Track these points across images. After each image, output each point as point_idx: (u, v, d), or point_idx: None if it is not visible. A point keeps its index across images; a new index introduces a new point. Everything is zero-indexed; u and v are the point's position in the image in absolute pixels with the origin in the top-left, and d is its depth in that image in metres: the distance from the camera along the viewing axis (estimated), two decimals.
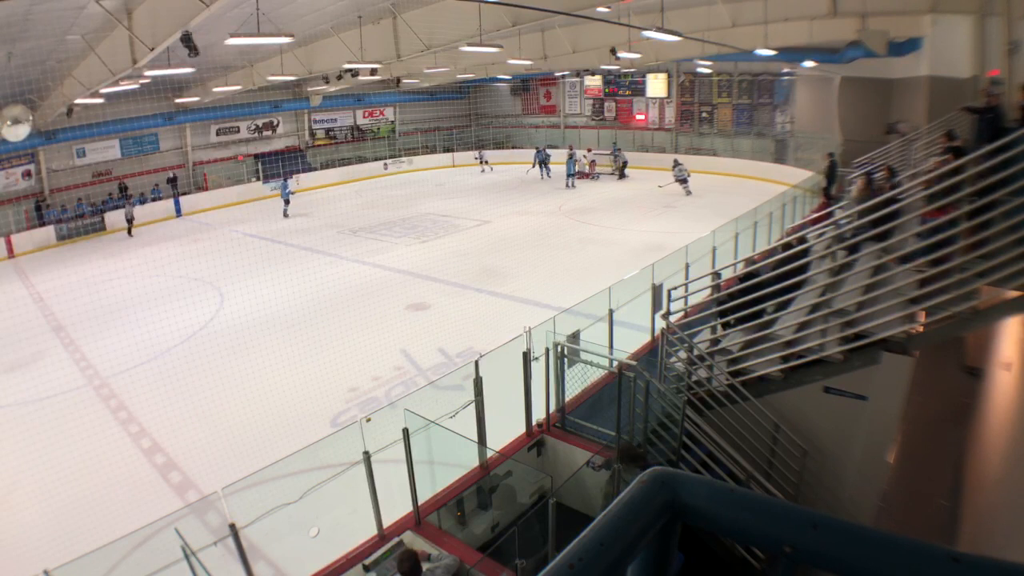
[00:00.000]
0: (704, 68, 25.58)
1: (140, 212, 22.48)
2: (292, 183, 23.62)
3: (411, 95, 31.11)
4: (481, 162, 30.07)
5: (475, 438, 5.64)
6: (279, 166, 26.85)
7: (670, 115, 28.97)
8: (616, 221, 18.65)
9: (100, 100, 17.71)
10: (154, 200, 23.38)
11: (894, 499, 5.95)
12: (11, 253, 18.95)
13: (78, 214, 21.16)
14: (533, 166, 26.88)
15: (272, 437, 7.41)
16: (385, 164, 30.30)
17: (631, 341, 8.21)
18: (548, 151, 27.46)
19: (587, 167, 26.96)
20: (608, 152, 27.76)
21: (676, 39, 12.63)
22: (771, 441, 5.68)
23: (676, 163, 22.76)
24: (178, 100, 22.15)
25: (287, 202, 22.12)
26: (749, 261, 6.80)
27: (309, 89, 26.71)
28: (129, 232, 21.04)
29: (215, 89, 20.33)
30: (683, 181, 21.82)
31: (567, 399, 6.36)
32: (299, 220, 21.47)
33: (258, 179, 26.52)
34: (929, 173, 6.03)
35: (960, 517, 5.61)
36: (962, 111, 7.98)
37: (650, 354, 7.72)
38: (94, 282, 13.90)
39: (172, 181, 24.42)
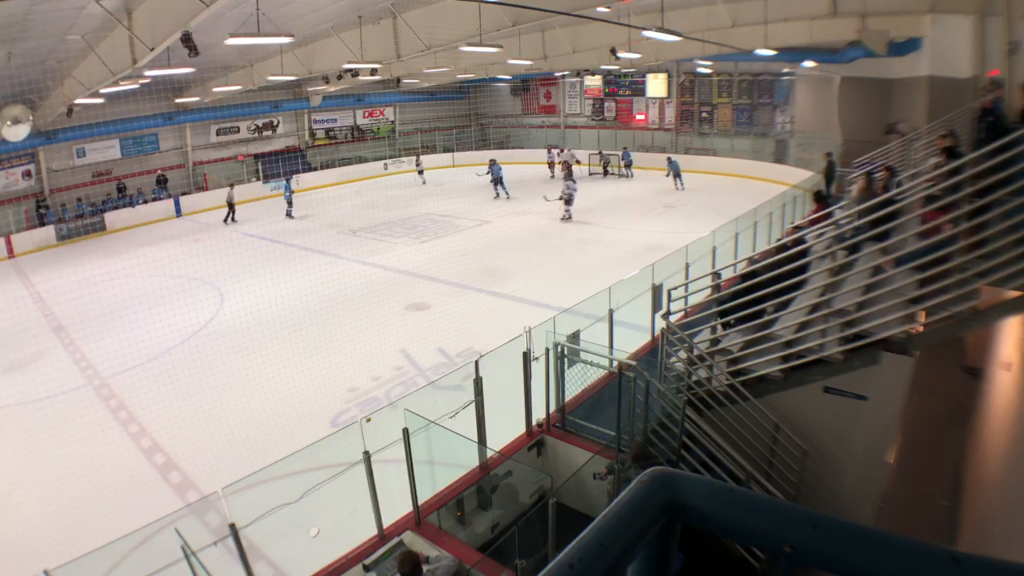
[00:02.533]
0: (704, 68, 25.60)
1: (141, 212, 22.57)
2: (293, 183, 23.63)
3: (411, 95, 31.12)
4: (418, 171, 27.51)
5: (475, 438, 5.64)
6: (279, 166, 26.86)
7: (670, 115, 28.98)
8: (616, 221, 18.65)
9: (100, 100, 17.71)
10: (155, 200, 23.41)
11: (894, 499, 5.95)
12: (11, 253, 18.95)
13: (78, 214, 21.19)
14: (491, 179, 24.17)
15: (272, 437, 7.42)
16: (385, 164, 30.30)
17: (631, 341, 8.21)
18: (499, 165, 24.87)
19: (560, 168, 26.26)
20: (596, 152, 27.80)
21: (676, 39, 12.64)
22: (771, 441, 5.68)
23: (567, 177, 19.33)
24: (178, 100, 22.15)
25: (290, 203, 22.08)
26: (751, 260, 6.79)
27: (309, 89, 26.72)
28: (232, 217, 21.62)
29: (215, 89, 20.33)
30: (567, 200, 18.65)
31: (567, 399, 6.37)
32: (299, 220, 21.48)
33: (258, 179, 26.52)
34: (929, 173, 6.03)
35: (960, 517, 5.61)
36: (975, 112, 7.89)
37: (650, 354, 7.73)
38: (94, 282, 13.89)
39: (162, 182, 24.34)
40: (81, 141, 21.62)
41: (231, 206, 21.74)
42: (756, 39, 15.38)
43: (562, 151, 27.41)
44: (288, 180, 22.93)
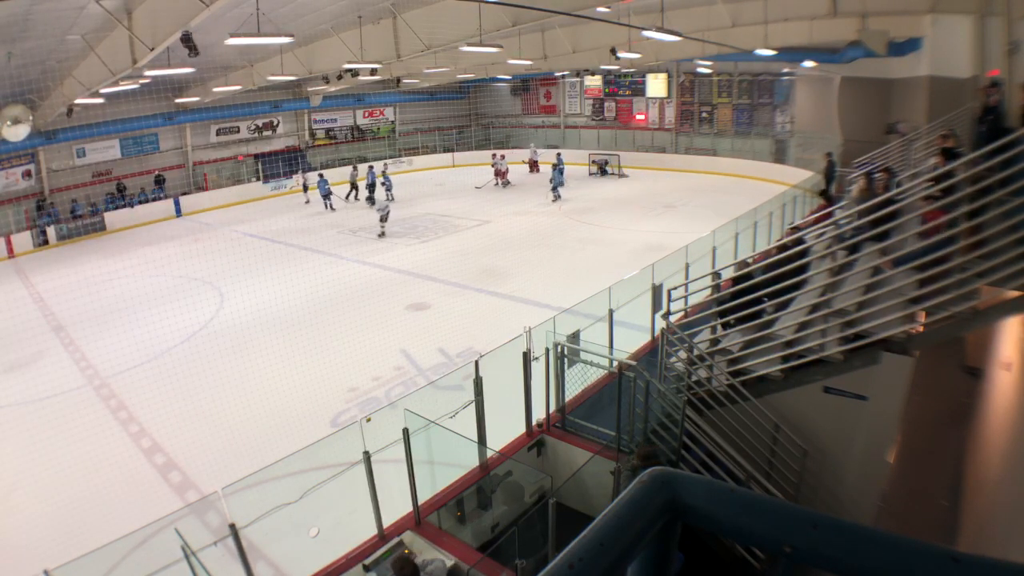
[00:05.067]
0: (704, 68, 25.59)
1: (140, 212, 22.57)
2: (294, 181, 23.93)
3: (411, 95, 31.10)
4: (304, 189, 24.91)
5: (475, 438, 5.64)
6: (279, 166, 26.87)
7: (670, 115, 28.98)
8: (616, 221, 18.65)
9: (100, 100, 17.70)
10: (154, 200, 23.44)
11: (894, 499, 5.95)
12: (11, 253, 18.95)
13: (76, 215, 21.12)
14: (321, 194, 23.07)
15: (272, 437, 7.42)
16: (385, 164, 30.28)
17: (631, 341, 8.21)
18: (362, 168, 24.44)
19: (500, 172, 25.30)
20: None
21: (676, 39, 12.63)
22: (771, 441, 5.68)
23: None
24: (178, 100, 22.14)
25: (327, 195, 22.35)
26: (743, 264, 6.80)
27: (309, 89, 26.72)
28: (355, 196, 23.59)
29: (215, 89, 20.33)
30: (383, 218, 18.20)
31: (567, 399, 6.37)
32: (301, 220, 21.48)
33: (258, 179, 26.54)
34: (928, 174, 6.03)
35: (960, 517, 5.61)
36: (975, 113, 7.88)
37: (650, 354, 7.73)
38: (94, 282, 13.89)
39: (160, 182, 24.32)
40: (81, 141, 21.61)
41: (355, 187, 23.65)
42: (756, 39, 15.37)
43: (502, 156, 25.91)
44: (321, 175, 23.18)
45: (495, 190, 24.91)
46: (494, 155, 26.57)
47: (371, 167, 24.18)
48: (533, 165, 27.88)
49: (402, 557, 4.25)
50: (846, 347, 5.30)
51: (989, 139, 5.38)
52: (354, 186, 24.40)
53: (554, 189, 22.06)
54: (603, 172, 27.08)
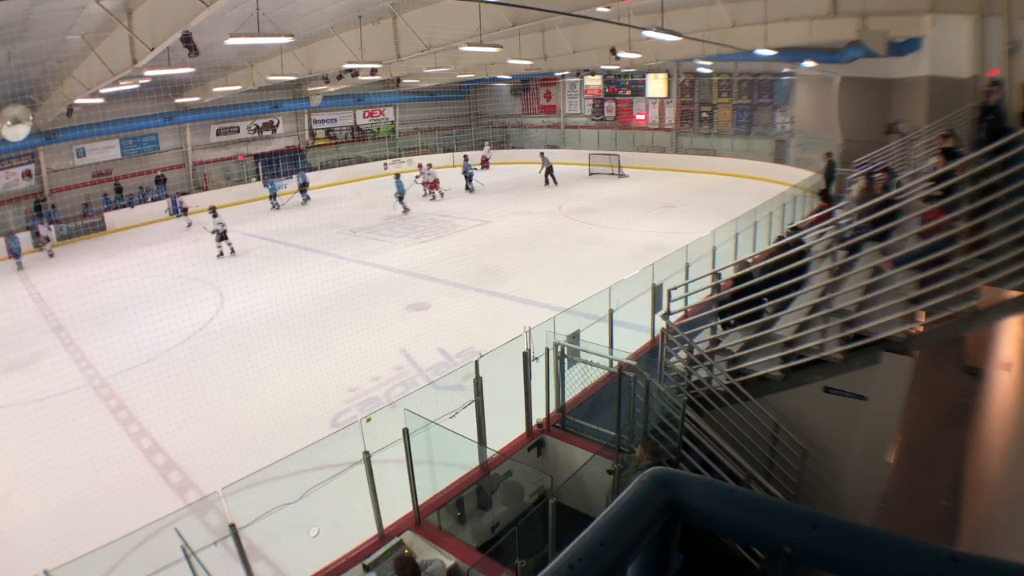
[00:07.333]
0: (704, 68, 25.59)
1: (140, 212, 22.56)
2: (282, 184, 24.57)
3: (411, 95, 31.11)
4: (181, 212, 22.57)
5: (475, 438, 5.64)
6: (279, 166, 26.91)
7: (670, 115, 28.99)
8: (616, 221, 18.65)
9: (100, 100, 17.71)
10: (156, 199, 23.44)
11: (894, 499, 5.94)
12: (11, 254, 18.91)
13: (70, 217, 20.95)
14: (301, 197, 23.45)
15: (272, 437, 7.41)
16: (385, 164, 30.30)
17: (631, 341, 8.22)
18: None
19: (428, 184, 23.40)
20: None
21: (676, 39, 12.64)
22: (771, 441, 5.68)
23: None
24: (178, 100, 22.15)
25: (274, 195, 23.29)
26: (743, 264, 6.80)
27: (309, 89, 26.72)
28: (468, 186, 24.24)
29: (215, 89, 20.33)
30: (221, 236, 16.78)
31: (567, 399, 6.37)
32: (299, 220, 21.46)
33: (258, 179, 26.56)
34: (928, 174, 6.03)
35: (960, 517, 5.61)
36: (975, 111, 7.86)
37: (650, 354, 7.73)
38: (94, 282, 13.89)
39: (161, 181, 24.33)
40: (81, 141, 21.62)
41: (443, 184, 23.52)
42: (756, 39, 15.37)
43: (429, 165, 24.00)
44: (272, 179, 23.90)
45: (471, 194, 23.94)
46: (420, 166, 24.15)
47: (302, 170, 24.88)
48: (484, 162, 27.75)
49: (402, 557, 4.26)
50: (846, 347, 5.30)
51: (989, 139, 5.38)
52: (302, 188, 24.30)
53: (400, 199, 21.02)
54: (552, 179, 24.64)
